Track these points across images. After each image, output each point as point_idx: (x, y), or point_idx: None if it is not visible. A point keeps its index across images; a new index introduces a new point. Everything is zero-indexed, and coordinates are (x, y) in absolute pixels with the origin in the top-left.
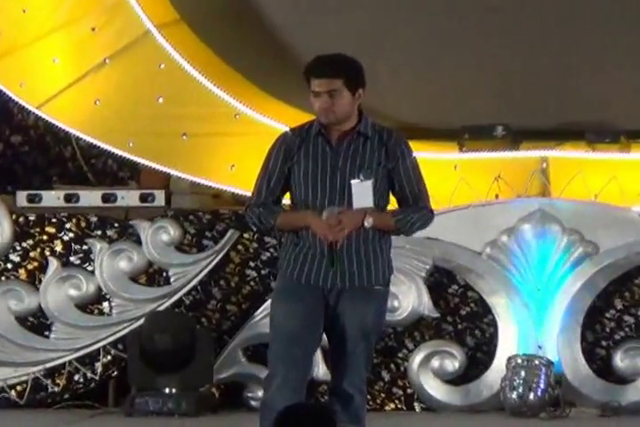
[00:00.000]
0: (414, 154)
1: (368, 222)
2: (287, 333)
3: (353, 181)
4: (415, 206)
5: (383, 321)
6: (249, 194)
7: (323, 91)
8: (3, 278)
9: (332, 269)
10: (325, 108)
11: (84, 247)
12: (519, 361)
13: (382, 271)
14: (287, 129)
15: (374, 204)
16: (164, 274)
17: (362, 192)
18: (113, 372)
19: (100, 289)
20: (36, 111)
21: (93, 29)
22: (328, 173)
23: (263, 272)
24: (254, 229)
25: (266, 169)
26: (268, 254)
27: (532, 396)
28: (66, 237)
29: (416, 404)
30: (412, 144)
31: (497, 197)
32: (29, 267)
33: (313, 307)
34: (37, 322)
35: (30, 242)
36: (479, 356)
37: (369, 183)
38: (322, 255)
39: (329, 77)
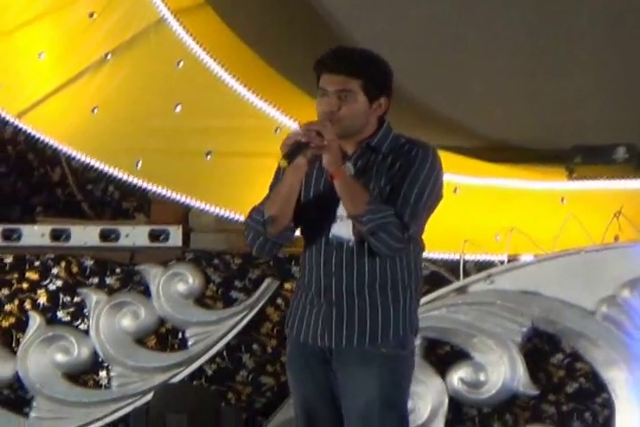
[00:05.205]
0: (437, 170)
1: (348, 168)
2: (305, 410)
3: (339, 209)
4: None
5: (399, 403)
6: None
7: (332, 90)
8: None
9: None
10: (328, 111)
11: (76, 299)
12: None
13: (394, 327)
14: None
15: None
16: (180, 335)
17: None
18: None
19: (95, 354)
20: (16, 121)
21: (91, 15)
22: (328, 197)
23: None
24: (253, 245)
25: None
26: None
27: None
28: (52, 286)
29: None
30: (504, 168)
31: (616, 239)
32: (4, 324)
33: (321, 375)
34: (14, 396)
35: (6, 291)
36: None
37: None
38: (314, 302)
39: (343, 74)
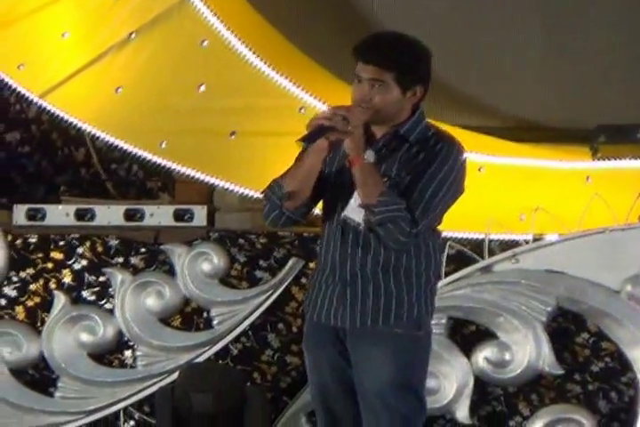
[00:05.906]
0: (458, 168)
1: (369, 156)
2: (320, 391)
3: (355, 193)
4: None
5: (415, 383)
6: (318, 211)
7: (365, 77)
8: None
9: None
10: (361, 99)
11: (101, 279)
12: None
13: (409, 308)
14: None
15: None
16: (205, 315)
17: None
18: None
19: (120, 334)
20: (40, 101)
21: None
22: (348, 178)
23: None
24: (268, 217)
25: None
26: None
27: None
28: (77, 266)
29: None
30: (529, 147)
31: None
32: (29, 304)
33: (334, 354)
34: (39, 376)
35: (31, 271)
36: (615, 425)
37: None
38: (329, 281)
39: (376, 66)
